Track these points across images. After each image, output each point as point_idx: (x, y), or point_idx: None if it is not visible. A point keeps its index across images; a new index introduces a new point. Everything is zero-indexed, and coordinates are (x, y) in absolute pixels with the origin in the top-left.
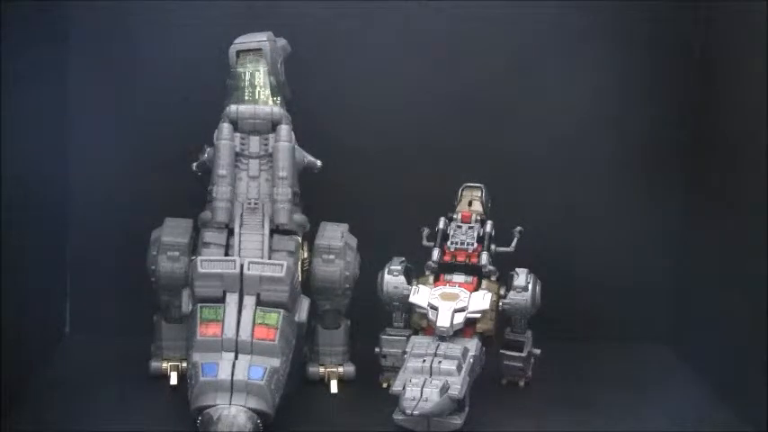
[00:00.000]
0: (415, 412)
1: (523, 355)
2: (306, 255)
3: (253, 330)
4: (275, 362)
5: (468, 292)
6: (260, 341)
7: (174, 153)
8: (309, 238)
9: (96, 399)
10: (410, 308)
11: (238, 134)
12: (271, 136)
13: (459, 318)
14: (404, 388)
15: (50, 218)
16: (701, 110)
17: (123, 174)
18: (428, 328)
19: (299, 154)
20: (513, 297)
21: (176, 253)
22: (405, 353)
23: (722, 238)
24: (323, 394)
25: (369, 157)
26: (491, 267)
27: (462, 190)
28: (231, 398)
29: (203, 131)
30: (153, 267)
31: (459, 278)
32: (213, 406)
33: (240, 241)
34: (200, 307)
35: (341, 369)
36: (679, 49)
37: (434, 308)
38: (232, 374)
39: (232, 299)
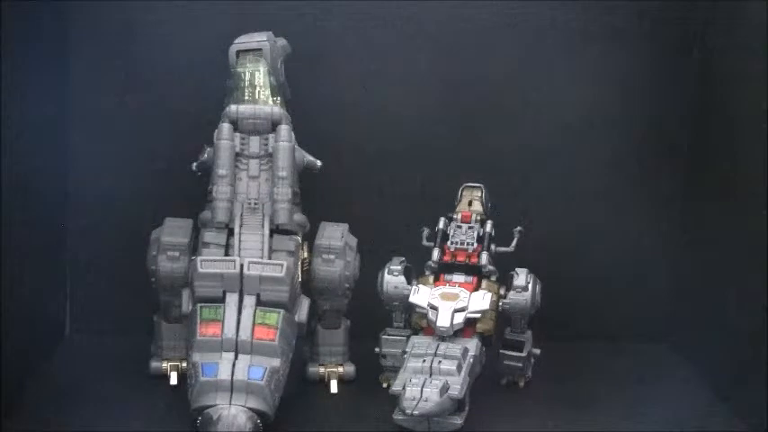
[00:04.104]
0: (415, 412)
1: (523, 355)
2: (306, 255)
3: (253, 330)
4: (275, 362)
5: (468, 292)
6: (260, 341)
7: (174, 153)
8: (309, 238)
9: (96, 399)
10: (410, 308)
11: (238, 134)
12: (271, 136)
13: (459, 318)
14: (404, 388)
15: (50, 218)
16: (700, 110)
17: (123, 174)
18: (428, 328)
19: (299, 154)
20: (513, 297)
21: (176, 253)
22: (405, 353)
23: (722, 237)
24: (323, 394)
25: (369, 157)
26: (491, 267)
27: (462, 190)
28: (231, 398)
29: (203, 131)
30: (153, 267)
31: (459, 278)
32: (213, 406)
33: (240, 241)
34: (200, 307)
35: (341, 369)
36: (679, 49)
37: (434, 308)
38: (232, 374)
39: (232, 299)
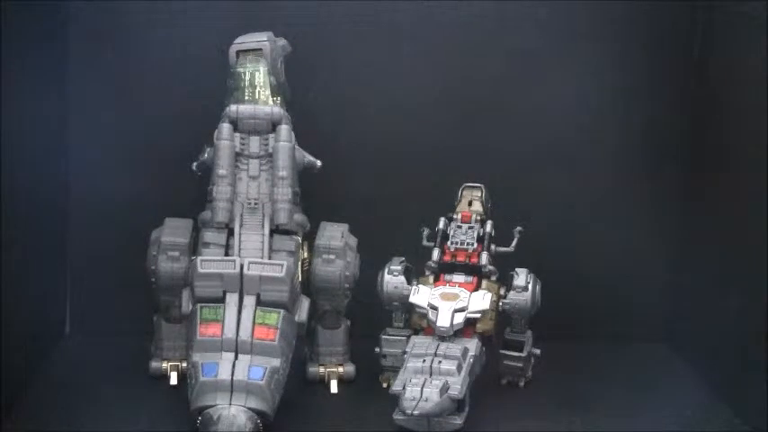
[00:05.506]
0: (415, 412)
1: (523, 355)
2: (306, 255)
3: (253, 330)
4: (275, 362)
5: (468, 292)
6: (260, 341)
7: (173, 153)
8: (309, 238)
9: (96, 399)
10: (410, 308)
11: (238, 134)
12: (271, 136)
13: (460, 318)
14: (404, 388)
15: (50, 218)
16: (700, 110)
17: (123, 174)
18: (428, 328)
19: (299, 154)
20: (513, 297)
21: (176, 253)
22: (405, 353)
23: (722, 237)
24: (323, 394)
25: (369, 157)
26: (491, 267)
27: (462, 190)
28: (231, 398)
29: (203, 131)
30: (153, 267)
31: (459, 278)
32: (213, 406)
33: (240, 241)
34: (200, 307)
35: (341, 369)
36: (679, 49)
37: (434, 308)
38: (232, 374)
39: (232, 299)
